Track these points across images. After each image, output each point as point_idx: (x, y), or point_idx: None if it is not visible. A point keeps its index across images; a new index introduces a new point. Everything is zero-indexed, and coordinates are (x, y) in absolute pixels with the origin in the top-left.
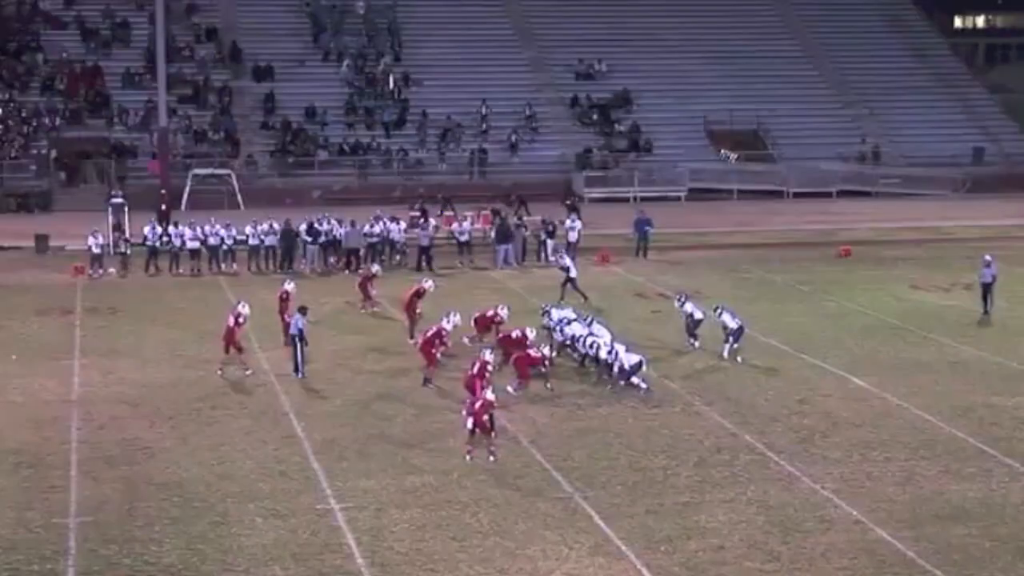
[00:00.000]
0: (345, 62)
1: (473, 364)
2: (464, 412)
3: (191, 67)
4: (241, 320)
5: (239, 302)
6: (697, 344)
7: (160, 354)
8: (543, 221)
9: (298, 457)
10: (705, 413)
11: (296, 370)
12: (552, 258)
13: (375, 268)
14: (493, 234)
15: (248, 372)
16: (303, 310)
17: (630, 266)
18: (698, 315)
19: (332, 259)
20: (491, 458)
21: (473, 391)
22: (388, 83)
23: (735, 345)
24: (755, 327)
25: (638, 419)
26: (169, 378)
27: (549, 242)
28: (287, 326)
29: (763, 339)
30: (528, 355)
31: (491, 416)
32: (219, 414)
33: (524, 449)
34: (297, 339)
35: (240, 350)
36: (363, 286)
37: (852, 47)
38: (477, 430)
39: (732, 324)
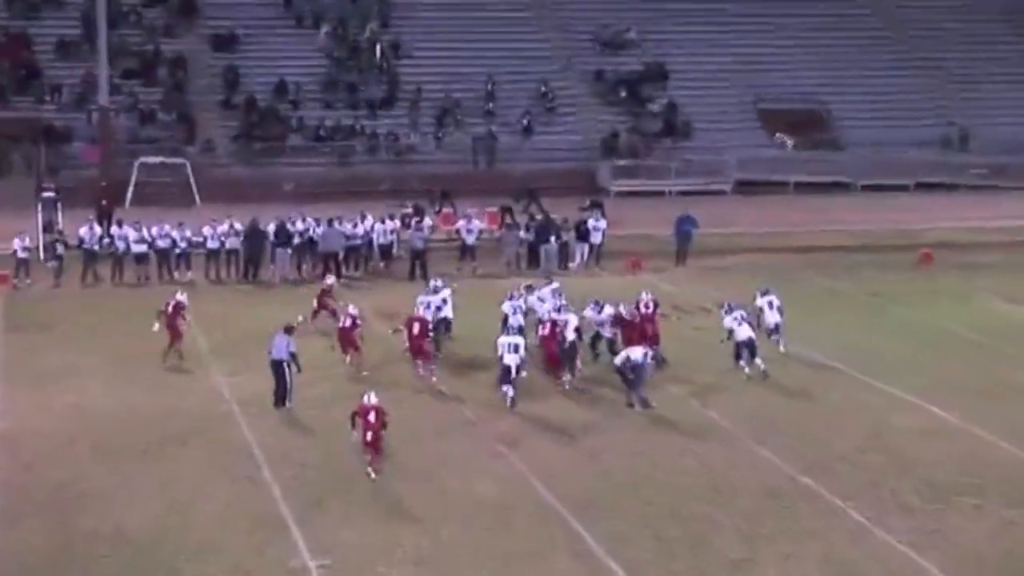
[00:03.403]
0: (323, 28)
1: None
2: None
3: (138, 35)
4: (358, 322)
5: (349, 305)
6: (746, 369)
7: (100, 379)
8: (566, 220)
9: (266, 502)
10: (755, 450)
11: (281, 400)
12: (575, 265)
13: (330, 280)
14: (503, 234)
15: (364, 374)
16: (289, 330)
17: (668, 274)
18: (743, 333)
19: (306, 265)
20: (371, 474)
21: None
22: (374, 53)
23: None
24: (816, 347)
25: (672, 457)
26: (111, 408)
27: (577, 245)
28: (175, 335)
29: (825, 361)
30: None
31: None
32: (171, 451)
33: (536, 492)
34: (287, 365)
35: (357, 348)
36: (320, 300)
37: (935, 12)
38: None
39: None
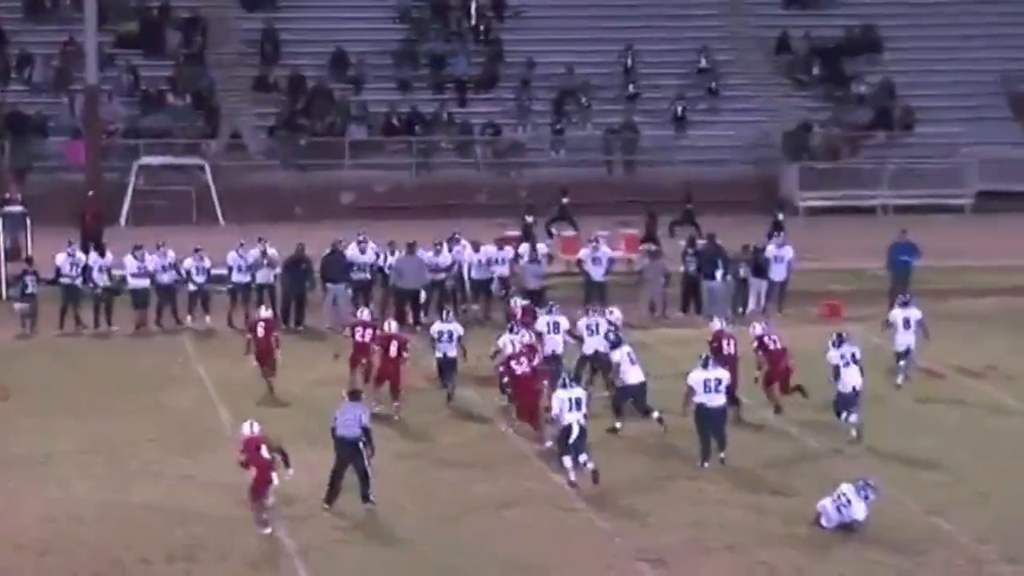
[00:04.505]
0: None
1: None
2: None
3: None
4: (405, 355)
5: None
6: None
7: (83, 468)
8: (746, 248)
9: None
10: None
11: (365, 498)
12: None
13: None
14: (645, 264)
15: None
16: (355, 395)
17: (878, 323)
18: (849, 381)
19: (368, 306)
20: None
21: None
22: (468, 14)
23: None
24: None
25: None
26: (98, 508)
27: (754, 281)
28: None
29: None
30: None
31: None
32: (180, 569)
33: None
34: (362, 444)
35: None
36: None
37: None
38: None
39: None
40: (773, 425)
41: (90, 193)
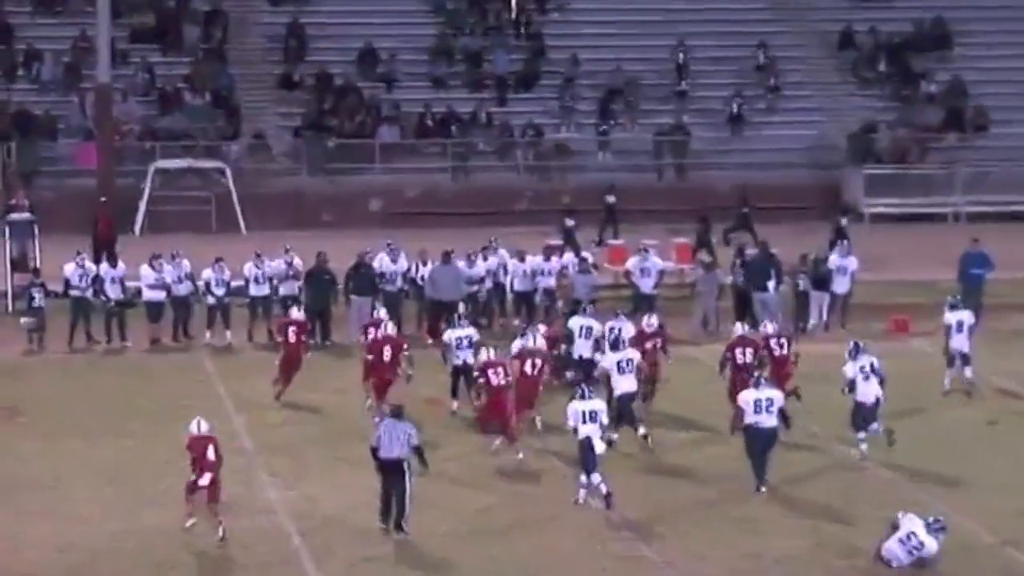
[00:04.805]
0: None
1: None
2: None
3: None
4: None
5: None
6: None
7: (95, 494)
8: (804, 258)
9: None
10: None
11: (398, 526)
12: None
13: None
14: (698, 275)
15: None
16: (398, 412)
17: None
18: (868, 393)
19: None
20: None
21: None
22: (508, 6)
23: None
24: None
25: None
26: (111, 538)
27: (815, 294)
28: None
29: None
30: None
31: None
32: None
33: None
34: (407, 465)
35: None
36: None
37: None
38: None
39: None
40: (825, 446)
41: (102, 199)
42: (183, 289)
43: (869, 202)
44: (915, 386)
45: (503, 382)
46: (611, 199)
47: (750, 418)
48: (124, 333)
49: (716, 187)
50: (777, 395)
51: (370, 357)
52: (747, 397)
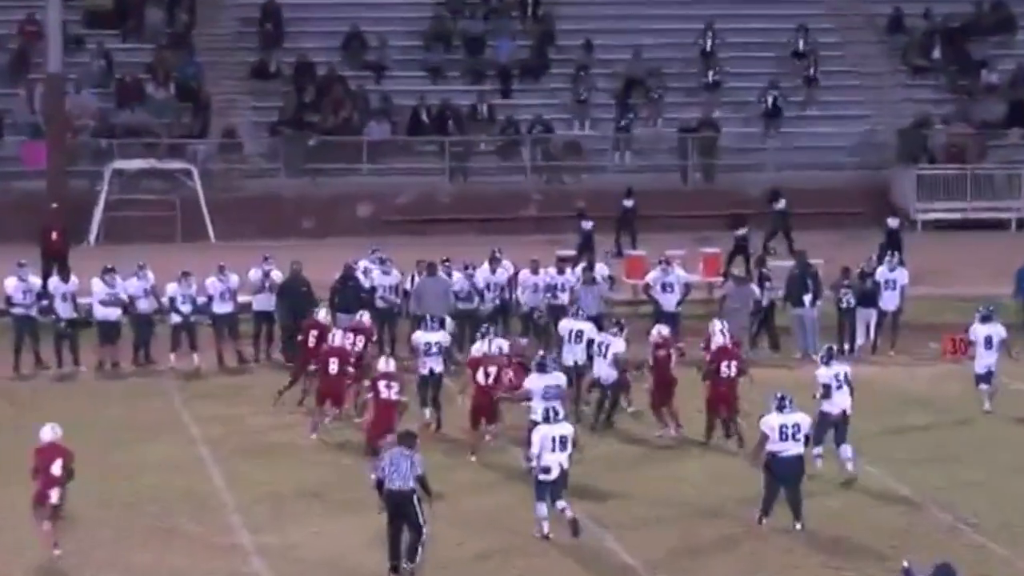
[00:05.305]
0: None
1: None
2: None
3: None
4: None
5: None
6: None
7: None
8: (846, 271)
9: None
10: None
11: (412, 556)
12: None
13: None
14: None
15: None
16: (410, 438)
17: (1009, 360)
18: (837, 404)
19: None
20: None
21: None
22: None
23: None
24: None
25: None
26: None
27: (861, 311)
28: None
29: None
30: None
31: None
32: None
33: None
34: (415, 497)
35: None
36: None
37: None
38: None
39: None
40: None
41: (53, 205)
42: (145, 306)
43: (921, 207)
44: (961, 411)
45: (392, 397)
46: (629, 204)
47: (773, 445)
48: (77, 356)
49: (748, 190)
50: (804, 420)
51: (313, 367)
52: (771, 422)
